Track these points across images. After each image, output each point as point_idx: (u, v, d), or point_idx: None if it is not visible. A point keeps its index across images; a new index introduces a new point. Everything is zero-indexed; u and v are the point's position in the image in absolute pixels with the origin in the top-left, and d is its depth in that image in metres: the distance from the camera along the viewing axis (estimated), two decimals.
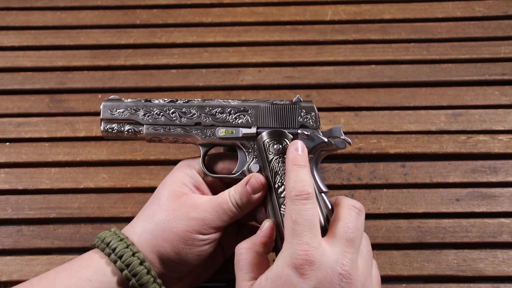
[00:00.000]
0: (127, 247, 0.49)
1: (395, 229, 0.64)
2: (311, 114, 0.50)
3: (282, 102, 0.51)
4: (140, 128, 0.54)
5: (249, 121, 0.51)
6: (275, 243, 0.49)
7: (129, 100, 0.55)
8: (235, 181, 0.52)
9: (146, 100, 0.54)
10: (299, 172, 0.46)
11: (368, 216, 0.65)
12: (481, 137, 0.70)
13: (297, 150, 0.47)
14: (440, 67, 0.76)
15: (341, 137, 0.50)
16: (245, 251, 0.47)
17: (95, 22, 0.82)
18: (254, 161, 0.50)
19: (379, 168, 0.68)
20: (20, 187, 0.68)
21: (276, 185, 0.49)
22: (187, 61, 0.78)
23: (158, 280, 0.50)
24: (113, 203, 0.67)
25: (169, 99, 0.54)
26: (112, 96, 0.56)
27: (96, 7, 0.84)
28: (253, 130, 0.50)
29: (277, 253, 0.49)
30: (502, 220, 0.64)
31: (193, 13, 0.83)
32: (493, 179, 0.67)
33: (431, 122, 0.71)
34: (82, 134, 0.72)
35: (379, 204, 0.66)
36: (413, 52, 0.78)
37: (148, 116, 0.54)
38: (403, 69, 0.76)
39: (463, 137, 0.70)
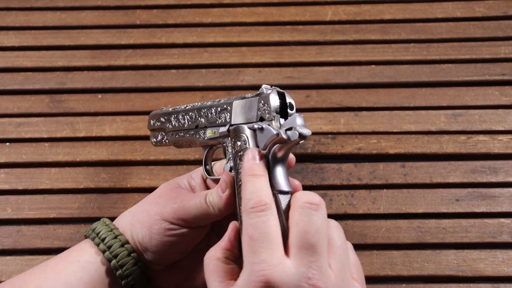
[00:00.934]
0: (115, 237, 0.50)
1: (395, 229, 0.64)
2: (266, 104, 0.44)
3: (249, 95, 0.47)
4: (165, 136, 0.55)
5: (226, 119, 0.49)
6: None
7: (163, 109, 0.56)
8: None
9: (174, 109, 0.55)
10: (255, 182, 0.41)
11: (368, 216, 0.65)
12: (481, 137, 0.70)
13: (254, 159, 0.43)
14: (440, 67, 0.76)
15: (295, 128, 0.42)
16: (208, 261, 0.43)
17: (95, 22, 0.82)
18: (229, 160, 0.48)
19: (379, 168, 0.68)
20: (20, 187, 0.68)
21: (238, 184, 0.46)
22: (187, 61, 0.78)
23: (145, 269, 0.50)
24: (113, 203, 0.67)
25: (190, 105, 0.54)
26: (162, 109, 0.56)
27: (96, 7, 0.84)
28: (225, 128, 0.48)
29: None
30: (502, 220, 0.64)
31: (193, 13, 0.83)
32: (493, 179, 0.67)
33: (431, 122, 0.71)
34: (82, 134, 0.72)
35: (379, 204, 0.66)
36: (413, 52, 0.78)
37: (169, 124, 0.54)
38: (403, 69, 0.76)
39: (463, 137, 0.70)
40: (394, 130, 0.71)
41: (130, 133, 0.72)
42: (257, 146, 0.45)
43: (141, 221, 0.50)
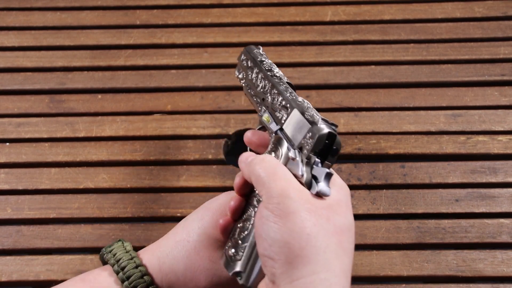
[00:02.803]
0: (136, 267, 0.49)
1: (395, 229, 0.64)
2: (311, 140, 0.44)
3: (308, 116, 0.45)
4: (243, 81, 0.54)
5: (282, 118, 0.48)
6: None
7: (261, 58, 0.53)
8: (237, 154, 0.51)
9: (263, 62, 0.53)
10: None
11: (368, 217, 0.65)
12: (481, 137, 0.70)
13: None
14: (440, 67, 0.76)
15: (318, 183, 0.42)
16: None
17: (95, 22, 0.82)
18: (267, 152, 0.49)
19: (379, 169, 0.68)
20: (20, 187, 0.68)
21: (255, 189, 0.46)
22: (187, 62, 0.78)
23: None
24: (113, 203, 0.67)
25: (272, 67, 0.52)
26: (258, 49, 0.54)
27: (96, 7, 0.84)
28: (275, 128, 0.48)
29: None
30: (502, 220, 0.64)
31: (193, 14, 0.83)
32: (493, 179, 0.67)
33: (431, 123, 0.71)
34: (82, 135, 0.72)
35: (379, 205, 0.66)
36: (413, 52, 0.78)
37: (250, 73, 0.53)
38: (403, 69, 0.76)
39: (462, 137, 0.70)
40: (394, 131, 0.71)
41: (130, 133, 0.72)
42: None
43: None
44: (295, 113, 0.46)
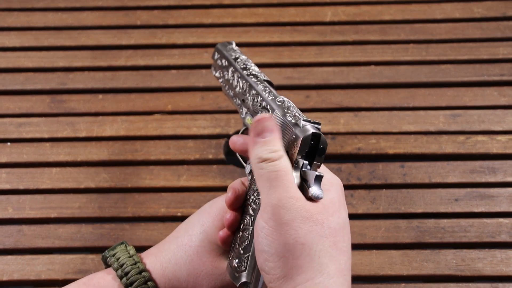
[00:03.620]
0: (140, 273, 0.49)
1: (394, 229, 0.64)
2: (295, 144, 0.43)
3: (290, 118, 0.44)
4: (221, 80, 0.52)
5: None
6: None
7: (235, 55, 0.52)
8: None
9: (237, 60, 0.51)
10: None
11: (367, 216, 0.65)
12: (480, 137, 0.70)
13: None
14: (439, 68, 0.77)
15: (309, 188, 0.42)
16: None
17: (96, 23, 0.82)
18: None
19: (378, 169, 0.68)
20: (21, 187, 0.68)
21: (248, 196, 0.46)
22: (187, 62, 0.78)
23: None
24: (114, 203, 0.67)
25: (248, 65, 0.50)
26: (230, 45, 0.53)
27: (97, 8, 0.84)
28: None
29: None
30: (501, 220, 0.64)
31: (194, 14, 0.83)
32: (492, 179, 0.67)
33: (430, 123, 0.72)
34: (83, 135, 0.72)
35: (378, 204, 0.66)
36: (412, 53, 0.78)
37: (227, 73, 0.52)
38: (402, 69, 0.77)
39: (461, 137, 0.70)
40: (394, 130, 0.71)
41: (131, 133, 0.72)
42: None
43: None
44: (277, 114, 0.45)
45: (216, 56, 0.53)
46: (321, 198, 0.42)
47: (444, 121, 0.72)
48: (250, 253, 0.44)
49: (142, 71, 0.78)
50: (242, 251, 0.45)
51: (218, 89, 0.76)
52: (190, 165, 0.70)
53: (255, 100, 0.48)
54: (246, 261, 0.45)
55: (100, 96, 0.76)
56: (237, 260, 0.45)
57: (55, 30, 0.82)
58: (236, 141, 0.48)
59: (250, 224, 0.45)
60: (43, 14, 0.83)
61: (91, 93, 0.76)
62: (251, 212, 0.45)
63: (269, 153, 0.42)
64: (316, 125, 0.43)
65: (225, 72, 0.52)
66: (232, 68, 0.51)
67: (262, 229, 0.41)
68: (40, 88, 0.77)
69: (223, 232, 0.47)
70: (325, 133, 0.71)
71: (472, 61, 0.77)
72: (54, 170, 0.69)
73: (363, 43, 0.79)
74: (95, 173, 0.69)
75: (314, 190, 0.41)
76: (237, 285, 0.45)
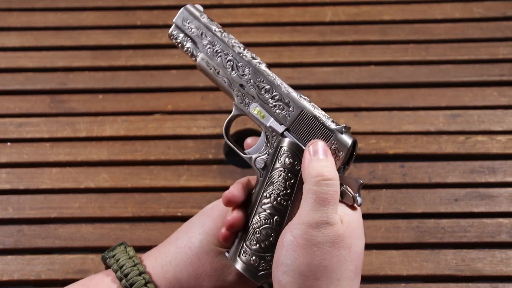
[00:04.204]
0: (139, 275, 0.49)
1: (394, 229, 0.64)
2: (338, 153, 0.43)
3: (324, 120, 0.44)
4: (197, 54, 0.49)
5: (285, 117, 0.45)
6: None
7: (205, 20, 0.49)
8: (244, 162, 0.48)
9: (216, 31, 0.48)
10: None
11: (367, 216, 0.65)
12: (480, 137, 0.70)
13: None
14: (439, 68, 0.77)
15: (353, 195, 0.43)
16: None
17: (96, 23, 0.82)
18: (265, 155, 0.46)
19: (378, 169, 0.68)
20: (21, 187, 0.68)
21: (265, 194, 0.45)
22: (187, 62, 0.78)
23: None
24: (114, 203, 0.67)
25: (237, 44, 0.48)
26: (197, 5, 0.51)
27: (97, 8, 0.84)
28: (280, 128, 0.45)
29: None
30: (501, 220, 0.64)
31: None
32: (492, 179, 0.67)
33: (430, 123, 0.72)
34: (83, 135, 0.72)
35: (378, 204, 0.66)
36: (412, 53, 0.78)
37: (209, 48, 0.48)
38: (402, 70, 0.77)
39: (461, 137, 0.70)
40: (393, 131, 0.71)
41: (131, 133, 0.72)
42: None
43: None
44: (306, 115, 0.44)
45: (184, 20, 0.49)
46: (360, 205, 0.44)
47: (444, 121, 0.72)
48: (272, 253, 0.45)
49: (142, 71, 0.78)
50: (262, 250, 0.45)
51: (218, 89, 0.76)
52: (190, 165, 0.70)
53: (266, 90, 0.46)
54: (270, 262, 0.44)
55: (100, 96, 0.76)
56: (254, 258, 0.45)
57: (55, 30, 0.82)
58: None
59: (276, 225, 0.44)
60: (43, 14, 0.83)
61: (91, 93, 0.76)
62: (274, 211, 0.45)
63: (328, 171, 0.42)
64: (349, 131, 0.44)
65: (206, 47, 0.48)
66: (218, 44, 0.48)
67: (289, 243, 0.41)
68: (40, 88, 0.77)
69: (225, 230, 0.47)
70: None
71: (472, 61, 0.77)
72: (54, 170, 0.69)
73: (363, 43, 0.79)
74: (95, 173, 0.69)
75: (358, 198, 0.44)
76: (260, 284, 0.45)
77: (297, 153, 0.45)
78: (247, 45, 0.80)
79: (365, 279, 0.62)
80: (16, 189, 0.68)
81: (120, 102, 0.75)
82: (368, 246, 0.63)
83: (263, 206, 0.45)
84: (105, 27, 0.82)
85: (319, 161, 0.43)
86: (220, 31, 0.49)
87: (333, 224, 0.41)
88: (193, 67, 0.78)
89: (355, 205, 0.44)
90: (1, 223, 0.66)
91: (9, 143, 0.72)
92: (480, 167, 0.68)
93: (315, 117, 0.44)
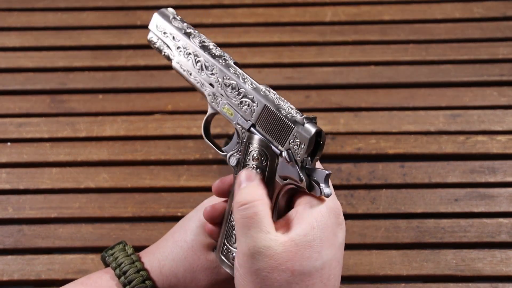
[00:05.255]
0: (138, 272, 0.49)
1: (394, 229, 0.64)
2: (301, 145, 0.43)
3: (284, 113, 0.44)
4: (172, 58, 0.50)
5: (250, 113, 0.45)
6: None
7: (176, 23, 0.50)
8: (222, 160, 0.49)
9: (186, 33, 0.49)
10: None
11: (367, 216, 0.65)
12: (480, 137, 0.70)
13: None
14: (439, 68, 0.77)
15: (320, 186, 0.42)
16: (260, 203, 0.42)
17: (96, 23, 0.83)
18: (237, 153, 0.47)
19: (378, 169, 0.68)
20: (21, 187, 0.68)
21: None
22: None
23: None
24: (114, 203, 0.67)
25: (206, 44, 0.49)
26: (170, 9, 0.51)
27: (97, 8, 0.84)
28: (247, 125, 0.46)
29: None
30: (500, 220, 0.64)
31: (194, 14, 0.83)
32: (492, 179, 0.67)
33: (430, 123, 0.72)
34: (83, 135, 0.72)
35: (378, 204, 0.66)
36: (412, 53, 0.78)
37: (181, 51, 0.49)
38: (402, 70, 0.77)
39: (461, 137, 0.70)
40: (393, 131, 0.71)
41: (131, 133, 0.72)
42: (273, 170, 0.44)
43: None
44: (268, 109, 0.44)
45: (158, 28, 0.50)
46: (329, 195, 0.42)
47: (444, 121, 0.72)
48: None
49: (142, 71, 0.78)
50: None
51: None
52: (190, 165, 0.70)
53: (232, 87, 0.47)
54: None
55: (100, 96, 0.76)
56: (233, 254, 0.45)
57: (55, 30, 0.82)
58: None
59: None
60: (43, 14, 0.83)
61: (91, 93, 0.76)
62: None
63: (244, 197, 0.42)
64: (314, 121, 0.43)
65: (180, 49, 0.49)
66: (189, 45, 0.49)
67: (237, 270, 0.42)
68: (40, 88, 0.77)
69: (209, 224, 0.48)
70: (325, 133, 0.71)
71: (472, 61, 0.77)
72: (54, 170, 0.69)
73: (363, 43, 0.79)
74: (95, 173, 0.69)
75: (324, 189, 0.42)
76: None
77: (263, 149, 0.45)
78: (247, 45, 0.80)
79: (365, 279, 0.62)
80: (16, 189, 0.68)
81: (120, 102, 0.75)
82: (368, 246, 0.63)
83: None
84: (105, 27, 0.82)
85: (240, 190, 0.43)
86: (190, 32, 0.50)
87: (266, 248, 0.40)
88: None
89: (323, 196, 0.42)
90: (1, 223, 0.66)
91: (9, 143, 0.72)
92: (480, 167, 0.68)
93: (278, 110, 0.44)
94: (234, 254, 0.45)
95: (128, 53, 0.79)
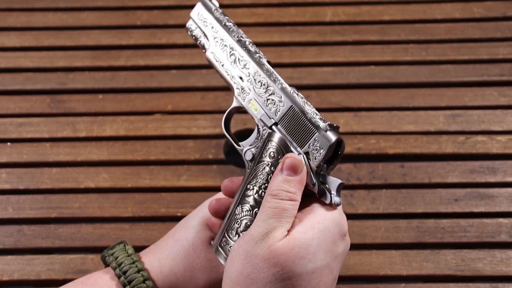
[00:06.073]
0: (138, 272, 0.49)
1: (394, 229, 0.64)
2: (319, 150, 0.43)
3: (311, 116, 0.44)
4: (207, 47, 0.50)
5: (275, 112, 0.46)
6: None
7: (217, 14, 0.50)
8: (238, 154, 0.49)
9: (226, 26, 0.50)
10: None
11: (367, 216, 0.65)
12: (480, 137, 0.70)
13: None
14: (439, 68, 0.77)
15: (331, 194, 0.43)
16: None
17: (96, 23, 0.83)
18: (254, 148, 0.47)
19: (378, 169, 0.68)
20: (21, 187, 0.68)
21: (249, 186, 0.46)
22: (187, 62, 0.78)
23: None
24: (114, 203, 0.67)
25: (243, 39, 0.49)
26: (214, 1, 0.52)
27: (97, 8, 0.84)
28: (269, 122, 0.46)
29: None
30: (500, 220, 0.64)
31: None
32: (492, 179, 0.67)
33: (430, 123, 0.72)
34: (83, 135, 0.72)
35: (378, 204, 0.66)
36: (412, 53, 0.78)
37: (217, 41, 0.50)
38: (402, 70, 0.77)
39: (461, 137, 0.70)
40: (393, 131, 0.71)
41: (131, 133, 0.72)
42: None
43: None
44: (294, 110, 0.45)
45: (199, 16, 0.51)
46: (339, 205, 0.43)
47: (444, 121, 0.72)
48: None
49: (142, 71, 0.78)
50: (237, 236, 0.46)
51: (218, 89, 0.76)
52: (190, 165, 0.70)
53: (262, 84, 0.47)
54: None
55: (100, 96, 0.76)
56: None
57: (55, 30, 0.82)
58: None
59: (255, 217, 0.45)
60: (43, 14, 0.83)
61: (91, 93, 0.76)
62: (254, 204, 0.45)
63: (285, 192, 0.42)
64: (337, 130, 0.44)
65: (217, 42, 0.50)
66: (226, 38, 0.49)
67: (233, 251, 0.43)
68: (40, 88, 0.77)
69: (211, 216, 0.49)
70: None
71: (472, 61, 0.77)
72: (54, 170, 0.69)
73: (363, 43, 0.79)
74: (95, 173, 0.69)
75: (334, 197, 0.43)
76: None
77: (282, 148, 0.45)
78: None
79: (365, 279, 0.62)
80: (16, 189, 0.68)
81: (120, 102, 0.75)
82: (368, 246, 0.63)
83: (246, 198, 0.46)
84: (105, 27, 0.82)
85: (284, 179, 0.43)
86: (229, 26, 0.50)
87: (270, 238, 0.41)
88: (193, 67, 0.78)
89: (333, 204, 0.43)
90: (1, 223, 0.66)
91: (9, 143, 0.72)
92: (480, 167, 0.68)
93: (303, 113, 0.45)
94: (231, 246, 0.46)
95: (128, 53, 0.79)
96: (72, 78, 0.77)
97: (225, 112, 0.50)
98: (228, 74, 0.49)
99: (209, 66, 0.78)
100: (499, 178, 0.67)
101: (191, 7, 0.84)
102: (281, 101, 0.46)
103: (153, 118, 0.74)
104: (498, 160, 0.69)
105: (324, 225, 0.42)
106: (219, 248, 0.46)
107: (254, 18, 0.82)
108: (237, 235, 0.45)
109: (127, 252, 0.50)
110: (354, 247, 0.63)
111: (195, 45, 0.80)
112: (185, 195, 0.67)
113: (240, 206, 0.46)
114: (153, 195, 0.67)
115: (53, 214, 0.66)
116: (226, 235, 0.46)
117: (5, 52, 0.80)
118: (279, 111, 0.46)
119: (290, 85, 0.47)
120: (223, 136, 0.71)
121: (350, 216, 0.65)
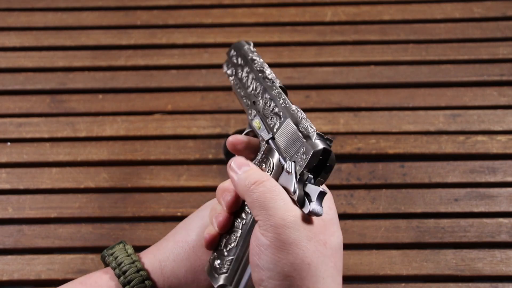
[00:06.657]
0: (137, 271, 0.49)
1: (394, 229, 0.64)
2: (305, 155, 0.42)
3: (301, 129, 0.44)
4: (235, 81, 0.52)
5: (274, 127, 0.46)
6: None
7: (252, 56, 0.52)
8: None
9: (256, 62, 0.51)
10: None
11: (367, 216, 0.65)
12: (480, 137, 0.70)
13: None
14: (439, 68, 0.77)
15: (310, 202, 0.41)
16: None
17: (96, 23, 0.83)
18: (256, 162, 0.47)
19: (378, 168, 0.68)
20: (21, 187, 0.68)
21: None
22: (187, 62, 0.78)
23: None
24: (114, 203, 0.67)
25: (264, 68, 0.50)
26: (249, 41, 0.54)
27: (97, 8, 0.84)
28: (266, 136, 0.46)
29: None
30: (500, 220, 0.64)
31: (193, 14, 0.83)
32: (492, 179, 0.67)
33: (430, 123, 0.72)
34: (83, 135, 0.72)
35: (378, 204, 0.66)
36: (412, 53, 0.78)
37: (245, 77, 0.51)
38: (402, 69, 0.77)
39: (461, 137, 0.70)
40: (393, 130, 0.71)
41: (131, 133, 0.72)
42: (276, 180, 0.44)
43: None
44: (288, 123, 0.45)
45: (232, 53, 0.53)
46: (320, 215, 0.41)
47: (444, 121, 0.72)
48: (234, 257, 0.44)
49: (142, 71, 0.78)
50: (226, 253, 0.45)
51: (218, 89, 0.76)
52: (190, 165, 0.70)
53: (268, 104, 0.48)
54: (229, 264, 0.44)
55: (100, 96, 0.76)
56: (219, 261, 0.45)
57: (55, 30, 0.82)
58: (235, 141, 0.49)
59: (240, 228, 0.44)
60: (43, 14, 0.83)
61: (91, 93, 0.76)
62: (243, 215, 0.45)
63: (253, 177, 0.42)
64: (328, 142, 0.43)
65: (239, 71, 0.51)
66: (247, 68, 0.51)
67: (266, 247, 0.40)
68: (40, 88, 0.77)
69: (210, 236, 0.46)
70: (325, 133, 0.71)
71: (472, 61, 0.77)
72: (54, 170, 0.69)
73: (363, 43, 0.79)
74: (95, 173, 0.69)
75: (314, 206, 0.40)
76: (215, 287, 0.44)
77: (273, 160, 0.45)
78: None
79: (365, 279, 0.62)
80: (16, 189, 0.68)
81: (120, 102, 0.75)
82: (368, 246, 0.63)
83: (246, 209, 0.45)
84: (105, 27, 0.82)
85: (244, 174, 0.43)
86: (257, 63, 0.51)
87: (299, 217, 0.40)
88: (193, 67, 0.78)
89: (312, 214, 0.41)
90: (1, 223, 0.66)
91: (9, 143, 0.72)
92: (480, 167, 0.68)
93: (296, 125, 0.44)
94: (228, 265, 0.45)
95: (128, 53, 0.79)
96: (72, 78, 0.77)
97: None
98: (244, 102, 0.51)
99: (209, 66, 0.78)
100: (499, 178, 0.67)
101: (191, 7, 0.85)
102: (281, 118, 0.46)
103: (153, 118, 0.74)
104: (498, 160, 0.69)
105: (333, 209, 0.44)
106: (216, 264, 0.45)
107: (254, 18, 0.82)
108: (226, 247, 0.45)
109: (127, 252, 0.50)
110: (354, 247, 0.63)
111: (195, 45, 0.81)
112: (185, 195, 0.67)
113: (239, 218, 0.45)
114: (153, 195, 0.67)
115: (53, 214, 0.66)
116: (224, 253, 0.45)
117: (5, 52, 0.80)
118: (277, 126, 0.46)
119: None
120: (223, 136, 0.71)
121: (350, 216, 0.65)
